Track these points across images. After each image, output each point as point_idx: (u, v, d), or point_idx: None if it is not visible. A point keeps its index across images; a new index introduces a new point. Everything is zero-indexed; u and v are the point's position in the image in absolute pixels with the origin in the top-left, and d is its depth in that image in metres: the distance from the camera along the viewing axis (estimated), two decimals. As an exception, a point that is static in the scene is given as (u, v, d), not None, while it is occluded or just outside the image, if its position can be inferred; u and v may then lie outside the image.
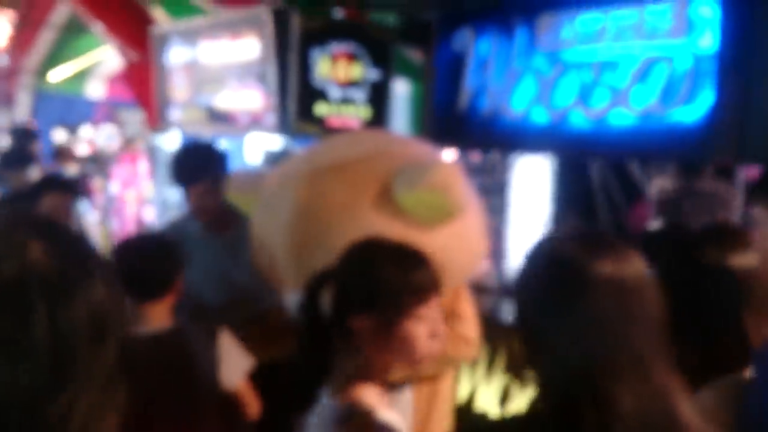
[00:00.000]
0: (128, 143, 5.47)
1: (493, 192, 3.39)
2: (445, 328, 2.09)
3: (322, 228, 1.96)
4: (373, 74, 4.08)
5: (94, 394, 0.79)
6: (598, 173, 5.35)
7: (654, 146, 2.50)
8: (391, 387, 2.19)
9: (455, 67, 3.06)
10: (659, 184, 5.23)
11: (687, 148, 2.40)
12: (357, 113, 4.07)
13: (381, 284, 1.41)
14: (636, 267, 1.08)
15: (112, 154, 5.67)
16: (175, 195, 4.99)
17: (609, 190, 5.14)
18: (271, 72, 3.92)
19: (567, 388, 1.05)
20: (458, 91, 3.03)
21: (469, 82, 2.96)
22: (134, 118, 7.42)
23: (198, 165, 2.77)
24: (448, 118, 3.06)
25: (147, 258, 2.20)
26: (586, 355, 1.04)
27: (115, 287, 0.82)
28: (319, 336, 1.36)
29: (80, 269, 0.78)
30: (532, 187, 3.50)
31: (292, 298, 2.17)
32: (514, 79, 2.81)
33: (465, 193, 1.85)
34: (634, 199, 5.68)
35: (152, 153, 5.01)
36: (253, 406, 2.32)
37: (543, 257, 1.17)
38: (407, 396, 2.17)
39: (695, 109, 2.35)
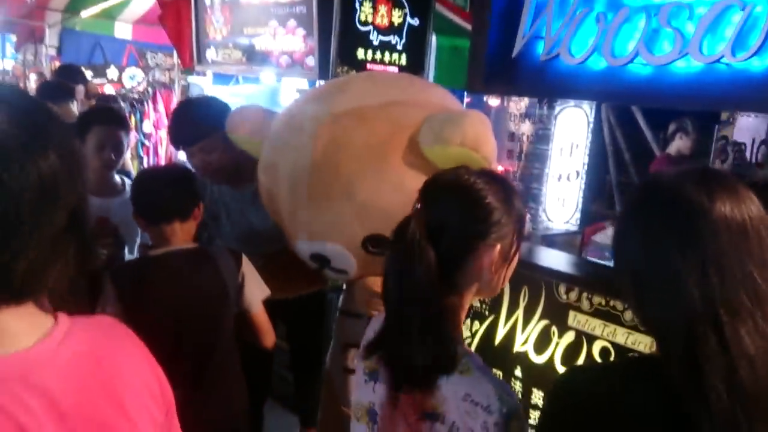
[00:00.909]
0: (161, 84, 5.41)
1: (537, 140, 3.37)
2: None
3: (342, 177, 1.92)
4: (413, 21, 4.06)
5: (42, 250, 0.89)
6: (608, 133, 5.32)
7: (720, 95, 2.45)
8: None
9: (510, 11, 3.00)
10: (677, 145, 5.24)
11: (755, 97, 2.36)
12: (395, 59, 4.05)
13: (505, 213, 1.41)
14: (754, 207, 1.07)
15: (140, 95, 5.62)
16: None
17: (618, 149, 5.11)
18: (314, 14, 3.86)
19: (688, 331, 1.04)
20: (512, 36, 2.96)
21: (525, 27, 2.90)
22: (162, 60, 7.38)
23: (194, 128, 2.71)
24: (500, 64, 3.00)
25: (166, 181, 2.25)
26: (708, 296, 1.04)
27: (72, 160, 0.93)
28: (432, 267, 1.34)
29: (36, 139, 0.87)
30: (572, 137, 3.49)
31: (304, 246, 2.16)
32: (574, 24, 2.75)
33: (493, 146, 1.81)
34: (643, 158, 5.66)
35: (186, 93, 4.97)
36: (269, 334, 2.36)
37: (658, 197, 1.15)
38: None
39: (766, 57, 2.31)
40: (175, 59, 5.18)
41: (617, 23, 2.60)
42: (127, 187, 3.16)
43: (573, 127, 3.43)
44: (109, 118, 3.07)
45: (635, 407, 1.09)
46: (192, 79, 4.99)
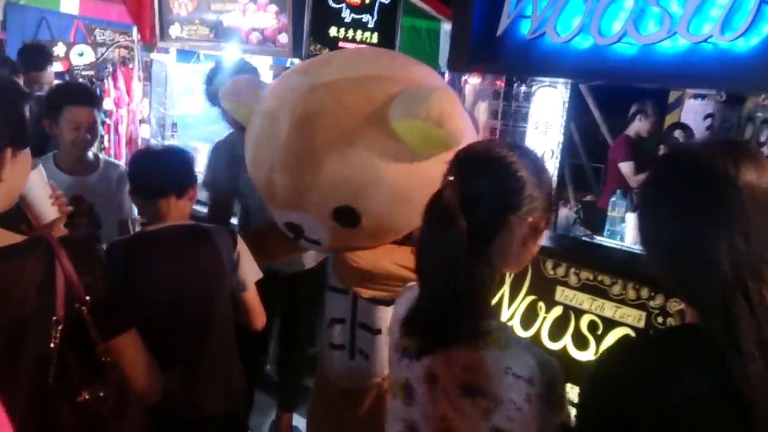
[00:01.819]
0: (114, 61, 5.25)
1: (515, 118, 3.41)
2: None
3: (313, 148, 1.94)
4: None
5: None
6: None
7: (706, 75, 2.52)
8: (385, 302, 2.26)
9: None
10: (636, 127, 5.39)
11: (740, 76, 2.43)
12: (366, 38, 4.04)
13: (536, 186, 1.41)
14: None
15: (96, 72, 5.44)
16: (171, 114, 4.87)
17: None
18: (287, -10, 3.81)
19: (724, 299, 1.08)
20: (496, 15, 2.98)
21: (510, 6, 2.92)
22: (111, 37, 7.14)
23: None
24: (484, 43, 3.02)
25: (163, 159, 2.24)
26: (736, 263, 1.07)
27: None
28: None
29: None
30: (548, 116, 3.53)
31: (279, 215, 2.17)
32: (561, 3, 2.78)
33: (462, 123, 1.83)
34: (592, 140, 5.82)
35: (148, 70, 4.83)
36: (260, 316, 2.36)
37: (685, 168, 1.17)
38: None
39: (754, 37, 2.38)
40: (135, 35, 5.02)
41: (605, 2, 2.64)
42: (101, 163, 3.07)
43: (548, 107, 3.47)
44: (82, 97, 2.95)
45: (691, 387, 1.11)
46: (155, 56, 4.85)
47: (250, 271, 2.33)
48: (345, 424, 2.54)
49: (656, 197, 1.20)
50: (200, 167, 4.89)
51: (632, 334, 2.61)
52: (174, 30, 4.64)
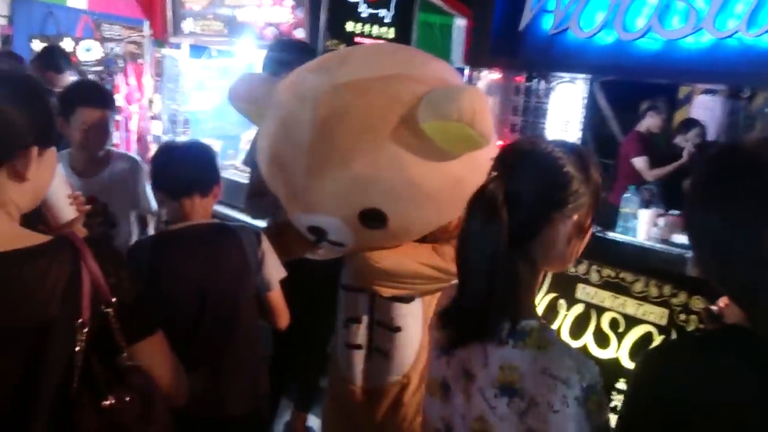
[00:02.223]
0: (122, 56, 5.23)
1: (535, 114, 3.40)
2: (453, 246, 2.13)
3: (340, 150, 1.91)
4: (401, -6, 4.03)
5: None
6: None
7: (730, 70, 2.50)
8: (404, 300, 2.24)
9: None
10: (648, 123, 5.37)
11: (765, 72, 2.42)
12: (383, 33, 4.02)
13: (583, 182, 1.39)
14: None
15: (106, 68, 5.43)
16: (183, 110, 4.86)
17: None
18: (303, -16, 3.78)
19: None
20: (518, 10, 2.96)
21: (533, 1, 2.90)
22: (119, 32, 7.12)
23: (287, 58, 2.71)
24: (506, 38, 3.00)
25: (187, 156, 2.20)
26: None
27: None
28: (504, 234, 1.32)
29: None
30: (567, 112, 3.52)
31: (301, 219, 2.14)
32: (584, -2, 2.76)
33: (491, 122, 1.81)
34: (603, 136, 5.80)
35: (160, 66, 4.82)
36: (284, 315, 2.33)
37: (738, 165, 1.15)
38: (417, 305, 2.24)
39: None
40: (146, 30, 5.00)
41: (629, -3, 2.63)
42: (113, 158, 3.05)
43: (567, 103, 3.45)
44: (94, 98, 2.89)
45: (743, 389, 1.09)
46: (167, 51, 4.83)
47: (274, 269, 2.30)
48: (362, 424, 2.51)
49: (708, 195, 1.18)
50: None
51: (654, 331, 2.60)
52: (187, 25, 4.62)
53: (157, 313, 1.54)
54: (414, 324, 2.29)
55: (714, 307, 2.11)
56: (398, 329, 2.29)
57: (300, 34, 3.88)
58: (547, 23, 2.86)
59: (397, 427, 2.43)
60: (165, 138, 4.88)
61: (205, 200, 2.19)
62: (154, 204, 3.18)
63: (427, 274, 2.19)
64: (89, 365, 1.36)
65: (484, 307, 1.36)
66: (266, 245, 2.27)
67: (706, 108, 6.28)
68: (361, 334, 2.36)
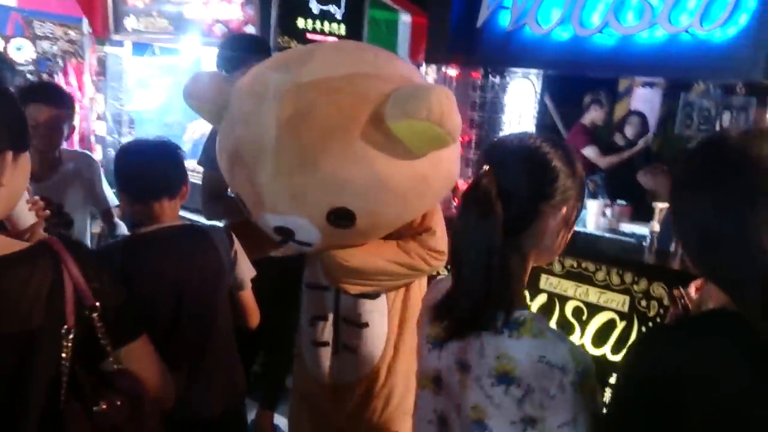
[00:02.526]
0: (59, 54, 5.06)
1: (491, 108, 3.46)
2: (417, 242, 2.17)
3: (306, 150, 1.90)
4: (351, -10, 4.03)
5: None
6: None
7: (683, 65, 2.59)
8: (370, 296, 2.26)
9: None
10: (592, 116, 5.53)
11: (717, 66, 2.51)
12: (334, 29, 4.00)
13: (569, 176, 1.42)
14: None
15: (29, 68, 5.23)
16: (128, 109, 4.73)
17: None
18: (253, -19, 3.73)
19: (759, 286, 1.10)
20: (475, 7, 2.99)
21: (490, -2, 2.94)
22: (52, 30, 6.87)
23: (241, 55, 2.66)
24: (464, 35, 3.03)
25: (154, 156, 2.13)
26: None
27: None
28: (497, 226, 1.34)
29: None
30: (520, 107, 3.60)
31: (268, 219, 2.14)
32: (541, -6, 2.81)
33: (459, 121, 1.83)
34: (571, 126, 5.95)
35: (103, 65, 4.68)
36: (255, 314, 2.32)
37: (726, 156, 1.19)
38: (382, 301, 2.26)
39: (731, 27, 2.46)
40: (85, 28, 4.85)
41: (585, -6, 2.69)
42: (65, 156, 2.94)
43: (521, 98, 3.52)
44: (46, 96, 2.78)
45: (735, 371, 1.13)
46: (109, 49, 4.69)
47: (246, 269, 2.28)
48: (332, 420, 2.51)
49: (696, 185, 1.21)
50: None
51: (617, 318, 2.68)
52: (129, 22, 4.49)
53: (142, 317, 1.51)
54: (380, 319, 2.30)
55: (676, 291, 2.19)
56: (365, 325, 2.29)
57: (250, 30, 3.83)
58: (505, 20, 2.91)
59: (367, 420, 2.43)
60: (109, 138, 4.75)
61: (173, 202, 2.14)
62: (112, 199, 3.09)
63: (393, 271, 2.20)
64: (76, 372, 1.33)
65: (481, 299, 1.38)
66: (238, 245, 2.24)
67: (645, 100, 6.49)
68: (327, 331, 2.35)
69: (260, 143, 1.96)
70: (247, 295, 2.28)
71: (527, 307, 1.45)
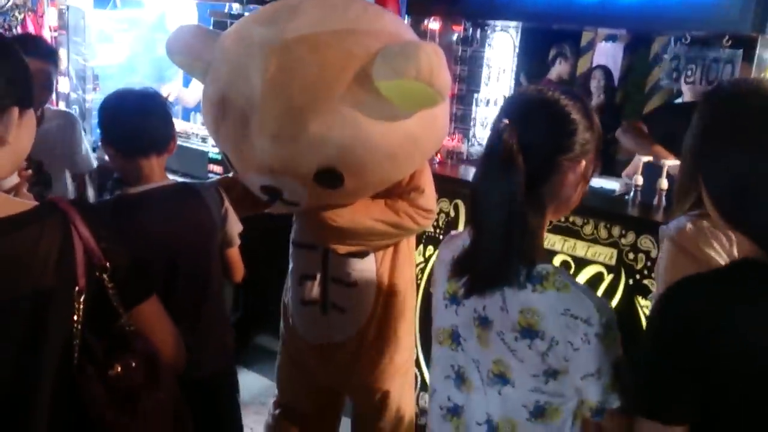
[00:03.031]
0: (18, 8, 4.84)
1: (472, 62, 3.43)
2: (406, 201, 2.18)
3: (294, 108, 1.88)
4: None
5: None
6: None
7: (670, 18, 2.60)
8: (359, 255, 2.27)
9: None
10: (558, 71, 5.55)
11: (708, 17, 2.52)
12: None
13: (588, 129, 1.42)
14: None
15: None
16: (92, 65, 4.56)
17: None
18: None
19: None
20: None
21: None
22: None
23: None
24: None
25: (141, 110, 2.08)
26: None
27: None
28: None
29: None
30: (499, 62, 3.58)
31: (254, 179, 2.11)
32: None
33: (449, 79, 1.80)
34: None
35: (64, 17, 4.49)
36: (241, 269, 2.33)
37: (754, 103, 1.20)
38: (371, 260, 2.30)
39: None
40: (44, -22, 4.64)
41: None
42: (46, 114, 2.83)
43: (501, 51, 3.50)
44: (38, 49, 2.67)
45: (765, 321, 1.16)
46: (70, 1, 4.49)
47: (235, 225, 2.26)
48: (321, 378, 2.53)
49: (725, 133, 1.23)
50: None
51: (604, 271, 2.73)
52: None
53: (153, 277, 1.49)
54: (369, 278, 2.31)
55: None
56: (354, 284, 2.29)
57: (223, -19, 3.71)
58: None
59: (355, 379, 2.46)
60: (73, 95, 4.59)
61: (161, 158, 2.11)
62: (92, 162, 3.01)
63: (381, 230, 2.20)
64: (89, 333, 1.31)
65: (503, 254, 1.38)
66: (227, 202, 2.22)
67: (607, 54, 6.54)
68: (315, 290, 2.35)
69: (246, 101, 1.91)
70: (235, 252, 2.29)
71: (549, 261, 1.46)
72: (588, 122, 1.43)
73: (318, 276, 2.35)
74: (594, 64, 6.21)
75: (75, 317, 1.26)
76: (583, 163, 1.44)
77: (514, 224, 1.37)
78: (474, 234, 1.46)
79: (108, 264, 1.31)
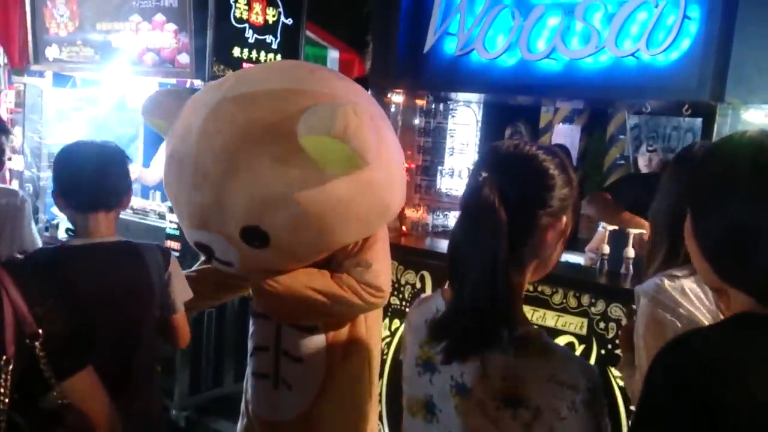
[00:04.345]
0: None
1: (436, 134, 3.45)
2: (352, 275, 2.11)
3: (221, 162, 1.86)
4: (287, 21, 4.00)
5: None
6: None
7: (630, 88, 2.64)
8: (306, 331, 2.19)
9: (416, 9, 3.04)
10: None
11: (660, 87, 2.57)
12: (270, 59, 3.97)
13: (567, 184, 1.37)
14: None
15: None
16: (48, 143, 4.48)
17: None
18: (188, 9, 3.62)
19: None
20: (420, 33, 2.99)
21: (436, 24, 2.94)
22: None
23: None
24: (410, 61, 3.02)
25: (95, 165, 2.01)
26: None
27: None
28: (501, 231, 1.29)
29: None
30: (464, 135, 3.61)
31: (189, 234, 2.06)
32: (489, 20, 2.84)
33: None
34: None
35: (22, 96, 4.42)
36: (186, 337, 2.23)
37: (747, 156, 1.17)
38: (321, 337, 2.18)
39: (674, 52, 2.54)
40: (1, 58, 4.60)
41: (533, 19, 2.72)
42: None
43: (463, 126, 3.54)
44: None
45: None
46: (28, 80, 4.44)
47: (180, 292, 2.16)
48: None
49: (714, 189, 1.19)
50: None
51: (575, 341, 2.67)
52: (51, 52, 4.27)
53: (89, 346, 1.39)
54: (316, 354, 2.19)
55: (634, 307, 2.19)
56: (300, 360, 2.19)
57: (184, 59, 3.71)
58: (451, 46, 2.91)
59: None
60: (27, 173, 4.49)
61: (110, 214, 2.05)
62: (37, 242, 2.91)
63: (321, 302, 2.07)
64: (18, 406, 1.20)
65: (486, 315, 1.31)
66: (174, 267, 2.13)
67: (565, 135, 6.70)
68: (268, 363, 2.25)
69: (183, 156, 1.92)
70: (179, 319, 2.18)
71: (530, 323, 1.40)
72: (567, 177, 1.39)
73: (270, 348, 2.25)
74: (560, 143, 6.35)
75: (1, 390, 1.16)
76: (564, 219, 1.39)
77: (498, 283, 1.30)
78: (453, 295, 1.38)
79: (40, 331, 1.22)
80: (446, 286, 1.46)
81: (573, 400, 1.25)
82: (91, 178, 1.99)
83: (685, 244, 1.27)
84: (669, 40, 2.50)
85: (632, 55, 2.57)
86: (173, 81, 3.84)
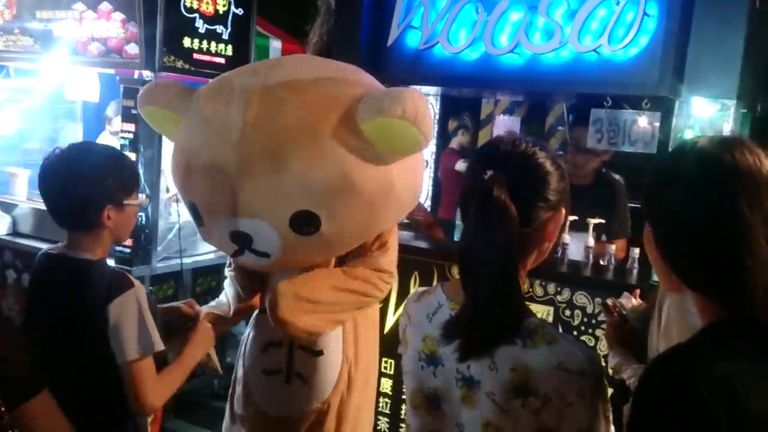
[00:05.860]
0: None
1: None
2: (366, 264, 2.15)
3: (274, 150, 1.86)
4: (238, 11, 3.94)
5: None
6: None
7: (591, 83, 2.72)
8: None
9: (379, 1, 3.04)
10: (460, 140, 5.76)
11: (621, 81, 2.66)
12: (221, 50, 3.89)
13: (562, 178, 1.41)
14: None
15: None
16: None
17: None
18: (136, -3, 3.51)
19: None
20: (383, 26, 3.00)
21: (400, 17, 2.95)
22: None
23: None
24: (373, 54, 3.02)
25: (71, 182, 1.87)
26: None
27: None
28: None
29: None
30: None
31: (226, 223, 2.02)
32: (453, 14, 2.86)
33: (431, 123, 1.85)
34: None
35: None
36: (142, 392, 1.87)
37: (719, 161, 1.21)
38: (339, 328, 2.20)
39: (633, 48, 2.62)
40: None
41: (497, 14, 2.76)
42: None
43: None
44: None
45: (757, 384, 1.13)
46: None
47: (135, 338, 1.84)
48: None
49: (689, 188, 1.20)
50: (22, 192, 4.34)
51: (541, 329, 2.72)
52: (-15, 41, 4.08)
53: (43, 371, 1.32)
54: (336, 346, 2.20)
55: (610, 302, 2.27)
56: (320, 353, 2.19)
57: (133, 49, 3.59)
58: (414, 40, 2.93)
59: None
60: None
61: (87, 234, 1.91)
62: None
63: (344, 300, 2.11)
64: None
65: (504, 313, 1.32)
66: (123, 308, 1.86)
67: (505, 126, 6.82)
68: (280, 358, 2.23)
69: (224, 144, 1.85)
70: (136, 368, 1.84)
71: (533, 313, 1.42)
72: (561, 171, 1.43)
73: (284, 343, 2.23)
74: (494, 136, 6.45)
75: None
76: (563, 211, 1.43)
77: (513, 279, 1.33)
78: (468, 294, 1.39)
79: None
80: (447, 281, 1.48)
81: (581, 386, 1.29)
82: (53, 197, 1.87)
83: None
84: (629, 36, 2.58)
85: (593, 50, 2.64)
86: (116, 71, 3.71)
